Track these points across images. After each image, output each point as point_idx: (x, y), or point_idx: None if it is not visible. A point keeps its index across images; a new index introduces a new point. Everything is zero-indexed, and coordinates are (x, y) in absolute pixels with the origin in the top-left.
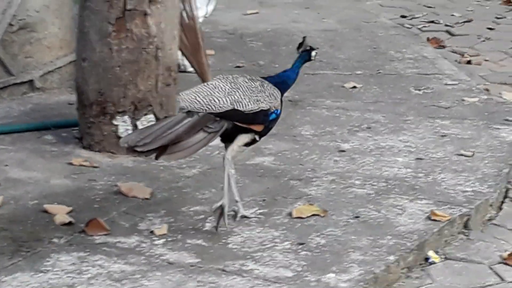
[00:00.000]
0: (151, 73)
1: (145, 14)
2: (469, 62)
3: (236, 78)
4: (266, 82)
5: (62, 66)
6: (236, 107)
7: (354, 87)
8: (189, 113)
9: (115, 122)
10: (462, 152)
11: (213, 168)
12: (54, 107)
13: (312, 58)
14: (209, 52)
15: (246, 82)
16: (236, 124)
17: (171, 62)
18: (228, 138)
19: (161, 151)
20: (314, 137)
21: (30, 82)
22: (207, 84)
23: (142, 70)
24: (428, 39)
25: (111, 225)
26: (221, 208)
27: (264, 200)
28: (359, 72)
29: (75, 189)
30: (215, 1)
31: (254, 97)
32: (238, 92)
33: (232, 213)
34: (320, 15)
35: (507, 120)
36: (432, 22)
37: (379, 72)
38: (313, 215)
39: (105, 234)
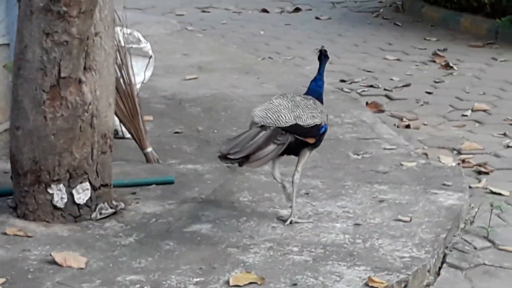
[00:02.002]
0: (86, 141)
1: (80, 81)
2: (407, 126)
3: (294, 97)
4: (316, 100)
5: None
6: (298, 122)
7: None
8: (263, 127)
9: (50, 191)
10: (400, 217)
11: (150, 237)
12: None
13: (327, 54)
14: (147, 118)
15: (302, 100)
16: (296, 137)
17: (107, 129)
18: (289, 151)
19: (244, 159)
20: (252, 204)
21: None
22: (273, 102)
23: (77, 138)
24: (367, 104)
25: None
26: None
27: (201, 268)
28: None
29: (8, 259)
30: (152, 67)
31: (310, 113)
32: (298, 109)
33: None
34: (260, 80)
35: (444, 184)
36: (371, 86)
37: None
38: (251, 283)
39: None
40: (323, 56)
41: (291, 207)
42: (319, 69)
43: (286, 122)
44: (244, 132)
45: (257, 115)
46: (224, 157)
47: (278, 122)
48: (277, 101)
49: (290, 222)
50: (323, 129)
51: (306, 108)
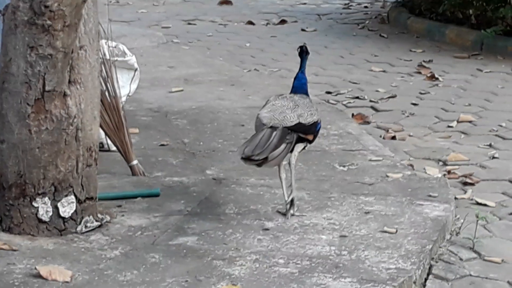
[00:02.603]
0: (71, 154)
1: (65, 95)
2: (393, 138)
3: (292, 97)
4: (310, 98)
5: None
6: (300, 121)
7: None
8: (272, 127)
9: (35, 204)
10: (386, 229)
11: (135, 249)
12: None
13: (308, 50)
14: (133, 130)
15: (300, 99)
16: (299, 135)
17: (92, 142)
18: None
19: (264, 160)
20: (238, 216)
21: None
22: (275, 103)
23: (62, 151)
24: (353, 115)
25: None
26: (292, 200)
27: (187, 281)
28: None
29: None
30: (138, 80)
31: (309, 111)
32: (299, 108)
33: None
34: (246, 92)
35: (430, 196)
36: (357, 98)
37: (304, 149)
38: None
39: None
40: (304, 53)
41: (290, 193)
42: (300, 66)
43: (291, 121)
44: (257, 134)
45: (264, 116)
46: (247, 159)
47: (284, 122)
48: (280, 102)
49: (291, 201)
50: (318, 126)
51: (305, 106)
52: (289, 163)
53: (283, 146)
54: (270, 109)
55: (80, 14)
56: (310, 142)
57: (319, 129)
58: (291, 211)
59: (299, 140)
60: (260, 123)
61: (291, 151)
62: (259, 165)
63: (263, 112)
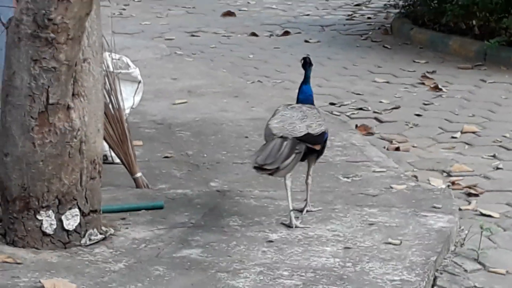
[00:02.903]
0: (75, 167)
1: (68, 107)
2: (397, 149)
3: (300, 107)
4: (318, 108)
5: None
6: (309, 131)
7: None
8: (282, 137)
9: (39, 217)
10: (390, 240)
11: (139, 262)
12: None
13: (311, 61)
14: (137, 142)
15: (308, 110)
16: (307, 145)
17: (96, 155)
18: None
19: (276, 169)
20: (242, 228)
21: None
22: (284, 114)
23: (66, 164)
24: (356, 126)
25: None
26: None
27: None
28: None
29: None
30: (141, 92)
31: (317, 121)
32: (307, 118)
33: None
34: (249, 104)
35: (434, 207)
36: (361, 109)
37: (315, 162)
38: None
39: None
40: (307, 65)
41: (306, 200)
42: (304, 78)
43: (300, 132)
44: (268, 144)
45: (274, 127)
46: (260, 168)
47: (294, 132)
48: (289, 112)
49: (306, 211)
50: (326, 136)
51: (313, 117)
52: (306, 183)
53: (293, 156)
54: (280, 119)
55: (84, 27)
56: (319, 152)
57: (326, 139)
58: (296, 222)
59: (308, 151)
60: (270, 133)
61: (308, 172)
62: (271, 174)
63: (273, 122)
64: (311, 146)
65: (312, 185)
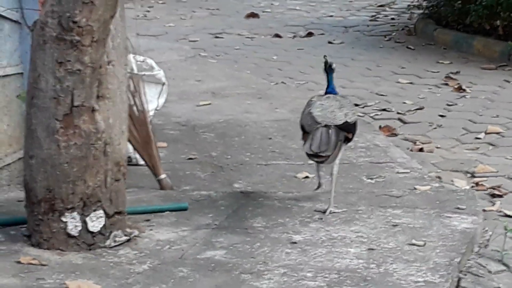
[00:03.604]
0: (100, 169)
1: (93, 110)
2: (421, 150)
3: (334, 97)
4: (349, 99)
5: (11, 163)
6: (347, 120)
7: (307, 177)
8: (326, 126)
9: (64, 219)
10: (414, 241)
11: (164, 264)
12: (3, 204)
13: (333, 68)
14: (161, 144)
15: (343, 99)
16: (344, 133)
17: (120, 157)
18: None
19: (327, 157)
20: (266, 229)
21: None
22: (324, 103)
23: (90, 166)
24: (380, 127)
25: None
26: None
27: None
28: (311, 162)
29: None
30: (166, 94)
31: (352, 110)
32: (344, 108)
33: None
34: (273, 105)
35: (458, 208)
36: (384, 110)
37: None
38: None
39: None
40: (329, 69)
41: (329, 198)
42: (328, 83)
43: (340, 120)
44: (315, 132)
45: (318, 115)
46: (314, 155)
47: (335, 120)
48: (327, 101)
49: (330, 212)
50: (357, 125)
51: (348, 105)
52: (331, 173)
53: (339, 143)
54: (321, 108)
55: (108, 29)
56: (349, 141)
57: (356, 128)
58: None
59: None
60: (313, 122)
61: (335, 160)
62: (322, 162)
63: (315, 111)
64: (346, 134)
65: (336, 184)
